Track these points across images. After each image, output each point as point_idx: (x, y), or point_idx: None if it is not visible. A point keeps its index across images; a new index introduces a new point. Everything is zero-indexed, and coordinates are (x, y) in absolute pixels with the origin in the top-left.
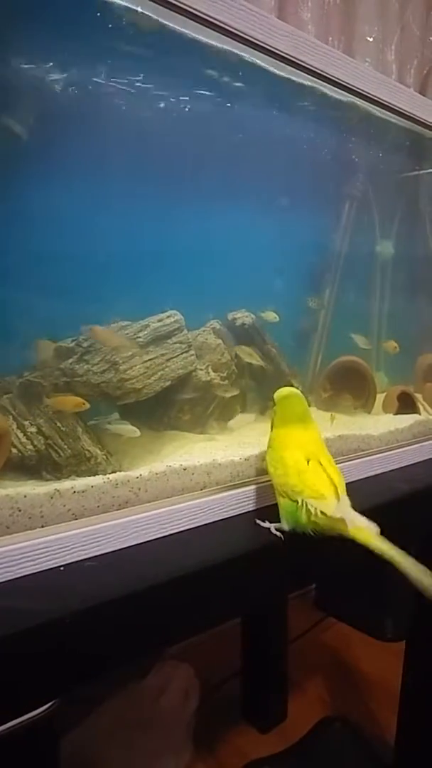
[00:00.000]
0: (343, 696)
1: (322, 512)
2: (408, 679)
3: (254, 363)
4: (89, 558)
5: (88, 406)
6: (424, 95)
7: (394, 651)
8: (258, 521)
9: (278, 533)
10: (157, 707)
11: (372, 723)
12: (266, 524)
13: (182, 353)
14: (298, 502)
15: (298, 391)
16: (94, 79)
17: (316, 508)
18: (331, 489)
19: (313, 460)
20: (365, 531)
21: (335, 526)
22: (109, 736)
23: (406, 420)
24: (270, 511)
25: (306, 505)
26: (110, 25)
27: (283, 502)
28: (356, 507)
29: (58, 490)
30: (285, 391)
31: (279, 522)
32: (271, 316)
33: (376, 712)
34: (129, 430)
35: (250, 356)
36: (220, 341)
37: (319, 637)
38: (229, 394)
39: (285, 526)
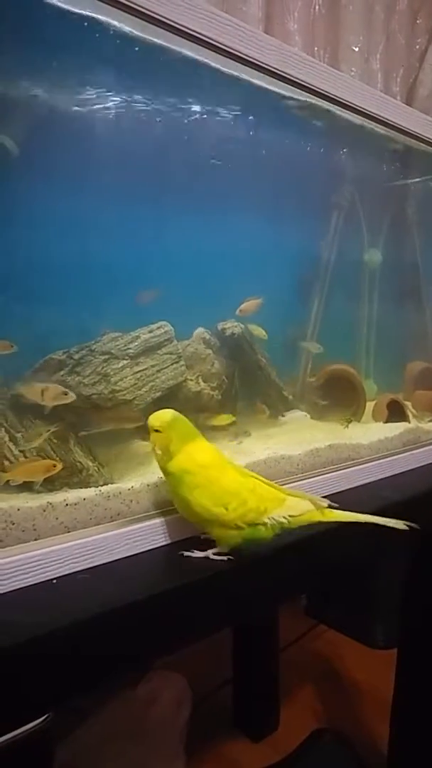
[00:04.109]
0: (335, 704)
1: (291, 516)
2: (399, 687)
3: None
4: (82, 570)
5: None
6: (410, 104)
7: (386, 658)
8: (186, 553)
9: (223, 557)
10: (149, 717)
11: (364, 731)
12: (198, 554)
13: (172, 364)
14: (266, 524)
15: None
16: (84, 95)
17: (287, 517)
18: (274, 488)
19: (239, 469)
20: (334, 511)
21: (311, 518)
22: (101, 747)
23: (396, 428)
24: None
25: (275, 521)
26: (99, 42)
27: (234, 534)
28: None
29: (50, 503)
30: (166, 414)
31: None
32: (259, 332)
33: (368, 720)
34: None
35: None
36: (209, 351)
37: (311, 645)
38: None
39: (225, 549)
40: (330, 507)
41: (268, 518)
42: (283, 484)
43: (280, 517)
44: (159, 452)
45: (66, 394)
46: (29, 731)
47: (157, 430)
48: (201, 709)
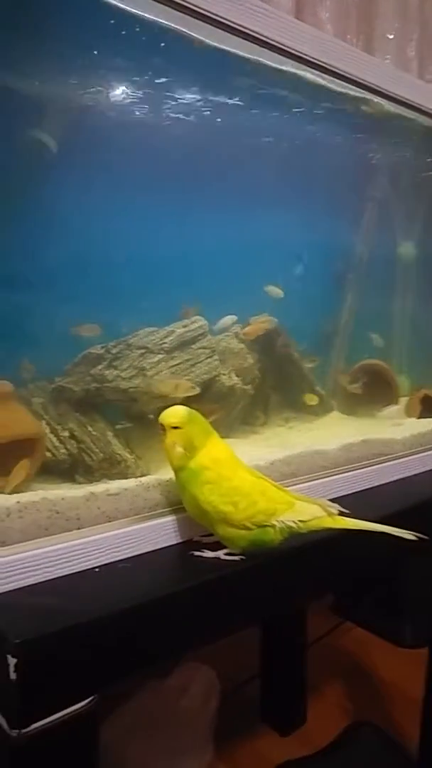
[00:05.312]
0: (362, 701)
1: (301, 520)
2: (430, 686)
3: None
4: (123, 559)
5: None
6: None
7: (414, 657)
8: (197, 553)
9: (235, 557)
10: (178, 708)
11: (392, 729)
12: (209, 554)
13: (206, 358)
14: (274, 526)
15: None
16: (119, 91)
17: (296, 521)
18: (283, 491)
19: (251, 470)
20: (345, 519)
21: (320, 524)
22: (130, 736)
23: (430, 423)
24: None
25: (284, 524)
26: (138, 38)
27: (242, 535)
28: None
29: (93, 493)
30: (182, 409)
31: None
32: (274, 291)
33: (396, 717)
34: None
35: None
36: (242, 346)
37: (337, 642)
38: None
39: (235, 550)
40: (341, 513)
41: (277, 521)
42: (316, 479)
43: (289, 520)
44: (180, 449)
45: (194, 388)
46: (78, 711)
47: (176, 427)
48: (230, 702)
